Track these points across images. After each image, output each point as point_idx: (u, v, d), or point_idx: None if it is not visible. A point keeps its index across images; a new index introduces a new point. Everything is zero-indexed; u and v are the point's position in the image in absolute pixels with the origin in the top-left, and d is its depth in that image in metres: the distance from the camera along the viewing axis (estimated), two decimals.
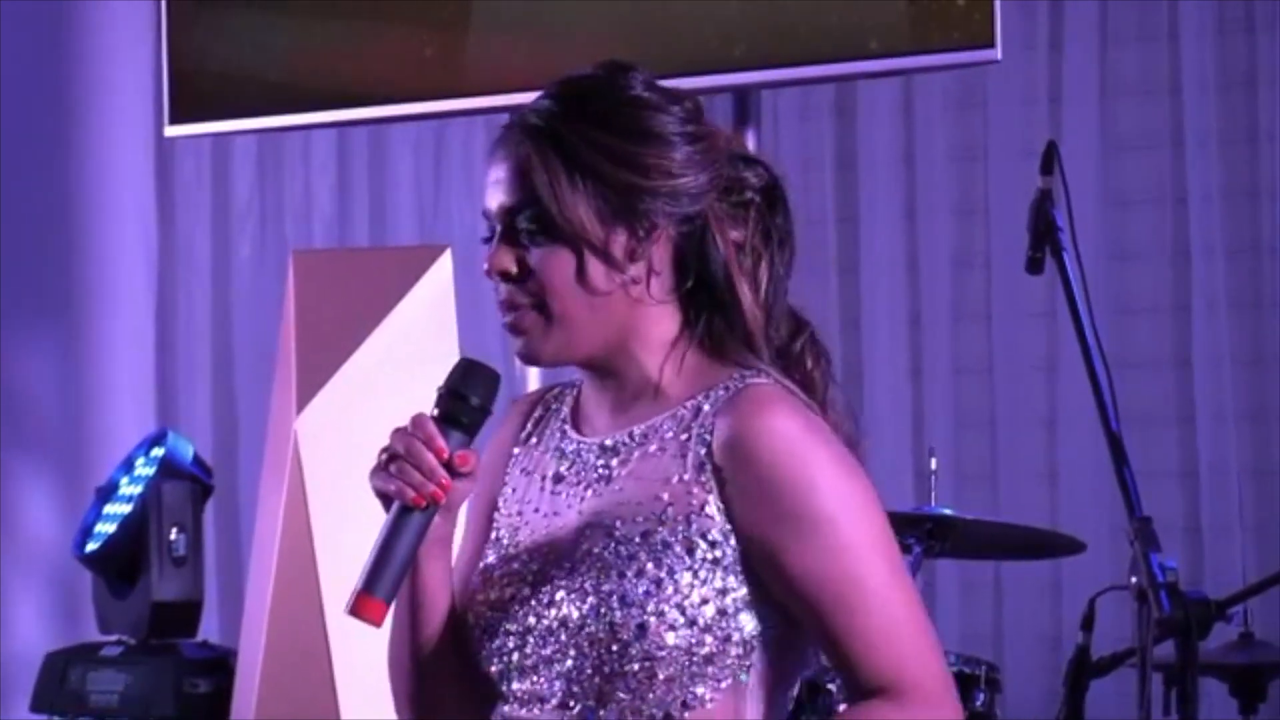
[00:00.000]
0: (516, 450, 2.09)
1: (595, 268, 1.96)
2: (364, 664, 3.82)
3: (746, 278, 1.99)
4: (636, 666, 1.91)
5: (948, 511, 4.08)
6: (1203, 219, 4.95)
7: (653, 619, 1.91)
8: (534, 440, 2.09)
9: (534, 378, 4.07)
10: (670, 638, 1.91)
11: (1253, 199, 4.97)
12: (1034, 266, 3.23)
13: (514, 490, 2.07)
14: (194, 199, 5.77)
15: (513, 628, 1.98)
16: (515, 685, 1.98)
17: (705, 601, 1.91)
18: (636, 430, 1.99)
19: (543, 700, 1.96)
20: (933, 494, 4.17)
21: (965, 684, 4.09)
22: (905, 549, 4.05)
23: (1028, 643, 4.99)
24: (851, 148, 5.24)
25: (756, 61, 3.94)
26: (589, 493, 2.00)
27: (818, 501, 1.90)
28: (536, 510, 2.04)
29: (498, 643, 1.99)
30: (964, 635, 4.98)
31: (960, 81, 5.07)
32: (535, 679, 1.97)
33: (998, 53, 3.78)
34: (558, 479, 2.04)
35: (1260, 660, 4.04)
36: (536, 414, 2.11)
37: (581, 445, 2.04)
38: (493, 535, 2.06)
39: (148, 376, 5.74)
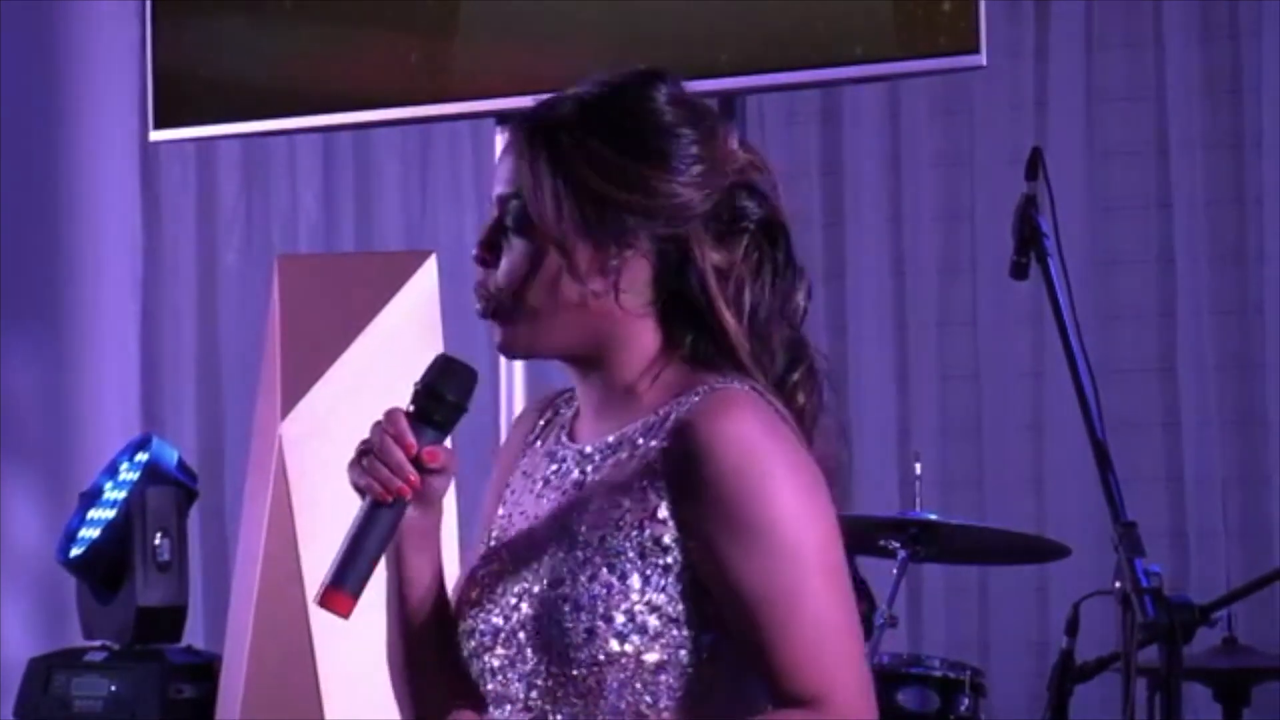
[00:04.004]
0: (525, 453, 2.10)
1: (556, 271, 1.96)
2: (349, 669, 3.82)
3: (728, 302, 1.96)
4: (585, 672, 1.91)
5: (933, 516, 4.09)
6: (1188, 225, 4.96)
7: (601, 624, 1.90)
8: (538, 443, 2.09)
9: (519, 378, 4.08)
10: (616, 644, 1.90)
11: (1238, 205, 4.98)
12: (1019, 272, 3.23)
13: (513, 493, 2.08)
14: (179, 204, 5.76)
15: (484, 628, 1.99)
16: (489, 686, 1.99)
17: (655, 609, 1.91)
18: (611, 438, 1.99)
19: (510, 702, 1.97)
20: (917, 499, 4.17)
21: (950, 689, 4.09)
22: (889, 554, 4.06)
23: (1013, 647, 5.00)
24: (837, 153, 5.25)
25: (742, 67, 3.94)
26: (564, 499, 2.00)
27: (762, 507, 1.88)
28: (523, 514, 2.04)
29: (474, 643, 2.00)
30: (949, 640, 4.98)
31: (946, 87, 5.08)
32: (504, 680, 1.97)
33: (983, 58, 3.78)
34: (545, 483, 2.04)
35: (1244, 665, 4.05)
36: (546, 416, 2.11)
37: (568, 452, 2.04)
38: (488, 536, 2.07)
39: (132, 381, 5.73)
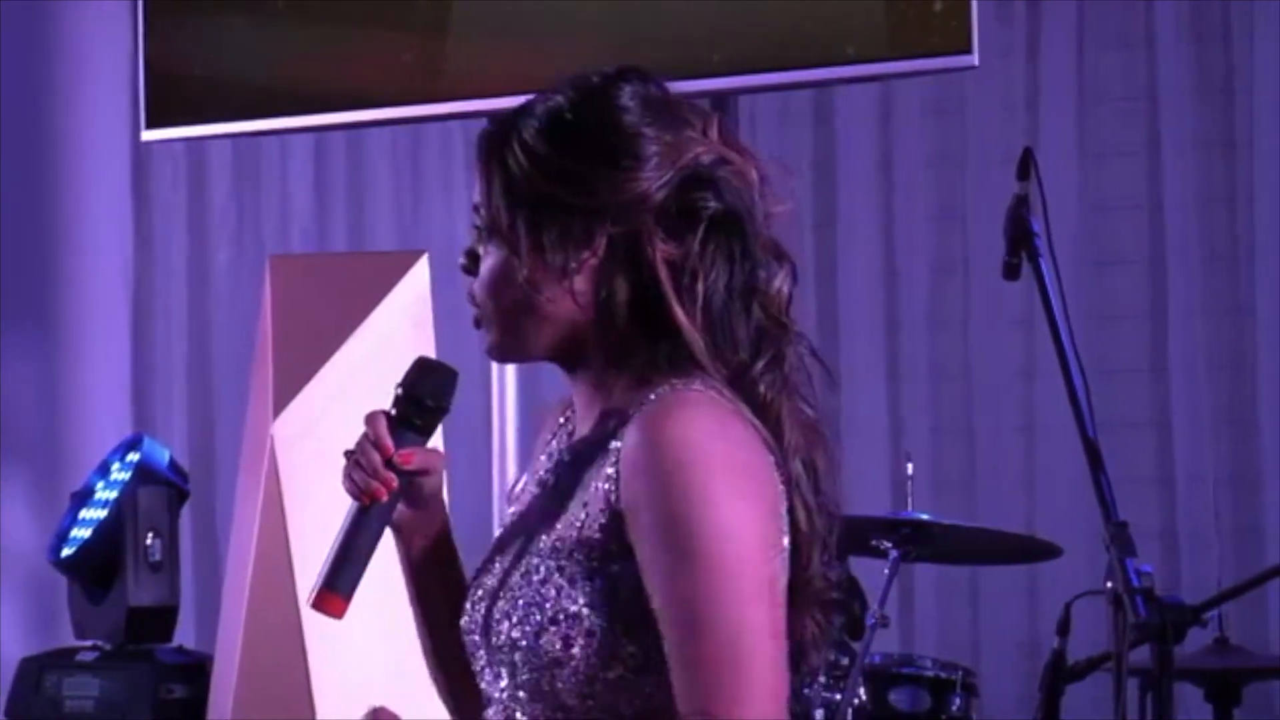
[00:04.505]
0: (543, 452, 2.10)
1: (514, 275, 1.95)
2: (341, 669, 3.82)
3: (681, 296, 1.93)
4: (538, 675, 1.89)
5: (924, 516, 4.09)
6: (1179, 225, 4.97)
7: (550, 626, 1.89)
8: (553, 442, 2.09)
9: (511, 380, 4.07)
10: (562, 647, 1.88)
11: (1229, 205, 4.98)
12: (1010, 272, 3.23)
13: (522, 491, 2.09)
14: (171, 204, 5.76)
15: (472, 628, 1.99)
16: (481, 685, 1.99)
17: (602, 614, 1.88)
18: (586, 442, 1.98)
19: (492, 703, 1.97)
20: (909, 499, 4.18)
21: (942, 688, 4.10)
22: (881, 554, 4.06)
23: (1004, 647, 5.00)
24: (830, 153, 5.25)
25: (735, 67, 3.94)
26: (541, 500, 2.01)
27: (692, 511, 1.83)
28: (520, 513, 2.05)
29: (468, 641, 2.00)
30: (941, 640, 4.98)
31: (938, 87, 5.08)
32: (486, 679, 1.97)
33: (975, 58, 3.78)
34: (539, 483, 2.05)
35: (1235, 665, 4.06)
36: (566, 415, 2.10)
37: (560, 452, 2.05)
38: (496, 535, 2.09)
39: (124, 381, 5.73)
